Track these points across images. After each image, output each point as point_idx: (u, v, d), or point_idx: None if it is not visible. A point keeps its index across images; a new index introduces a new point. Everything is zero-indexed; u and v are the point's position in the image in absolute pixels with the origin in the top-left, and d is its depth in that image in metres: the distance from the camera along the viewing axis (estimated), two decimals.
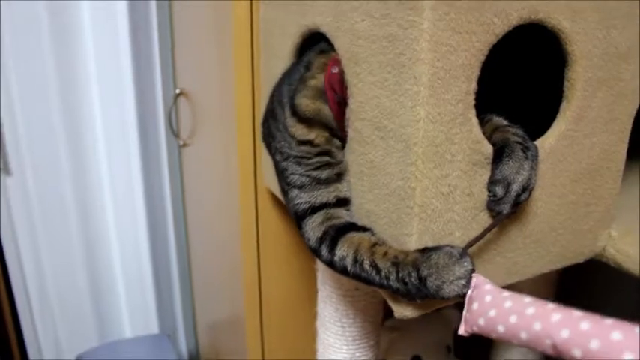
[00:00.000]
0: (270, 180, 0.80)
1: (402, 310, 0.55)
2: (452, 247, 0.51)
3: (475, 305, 0.50)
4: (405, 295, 0.52)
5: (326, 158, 0.61)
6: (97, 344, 1.67)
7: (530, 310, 0.45)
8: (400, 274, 0.51)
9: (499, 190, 0.53)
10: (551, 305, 0.45)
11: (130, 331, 1.72)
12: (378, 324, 0.86)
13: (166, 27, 1.40)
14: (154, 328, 1.72)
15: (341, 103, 0.59)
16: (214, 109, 1.08)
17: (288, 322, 1.05)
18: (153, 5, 1.42)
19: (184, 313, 1.77)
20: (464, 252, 0.51)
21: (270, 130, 0.67)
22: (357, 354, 0.85)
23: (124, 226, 1.58)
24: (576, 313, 0.44)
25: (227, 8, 0.85)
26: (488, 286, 0.50)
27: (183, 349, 1.82)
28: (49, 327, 1.59)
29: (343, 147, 0.61)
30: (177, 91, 1.31)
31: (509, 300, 0.48)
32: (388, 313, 1.12)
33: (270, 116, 0.67)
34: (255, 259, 0.98)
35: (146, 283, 1.66)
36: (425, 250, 0.51)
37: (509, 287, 1.04)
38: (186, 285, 1.71)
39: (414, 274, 0.50)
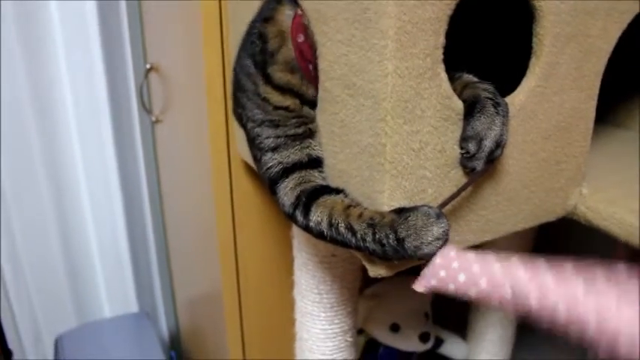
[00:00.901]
0: (243, 150, 0.79)
1: (377, 270, 0.55)
2: (429, 207, 0.51)
3: (442, 273, 0.50)
4: (382, 256, 0.52)
5: (302, 119, 0.61)
6: (76, 325, 1.65)
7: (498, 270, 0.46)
8: (377, 236, 0.51)
9: (472, 146, 0.53)
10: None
11: (109, 311, 1.71)
12: (356, 291, 0.87)
13: (134, 2, 1.37)
14: (133, 306, 1.71)
15: (314, 70, 0.58)
16: (185, 82, 1.06)
17: (266, 292, 1.06)
18: None
19: (163, 291, 1.76)
20: (440, 212, 0.51)
21: (239, 101, 0.66)
22: (336, 321, 0.85)
23: (100, 205, 1.56)
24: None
25: None
26: (453, 253, 0.51)
27: (164, 326, 1.82)
28: (26, 309, 1.57)
29: None
30: (148, 66, 1.29)
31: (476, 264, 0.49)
32: (367, 281, 1.13)
33: (237, 88, 0.67)
34: (230, 231, 0.98)
35: (123, 261, 1.64)
36: (401, 211, 0.51)
37: (485, 245, 1.06)
38: (164, 262, 1.70)
39: (391, 235, 0.50)
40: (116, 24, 1.42)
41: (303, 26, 0.58)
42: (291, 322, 0.91)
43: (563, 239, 1.27)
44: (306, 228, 0.58)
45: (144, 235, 1.68)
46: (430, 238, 0.50)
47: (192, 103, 1.02)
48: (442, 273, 0.51)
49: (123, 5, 1.40)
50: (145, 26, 1.36)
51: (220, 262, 1.01)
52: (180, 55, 1.07)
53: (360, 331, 1.16)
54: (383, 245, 0.51)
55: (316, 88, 0.60)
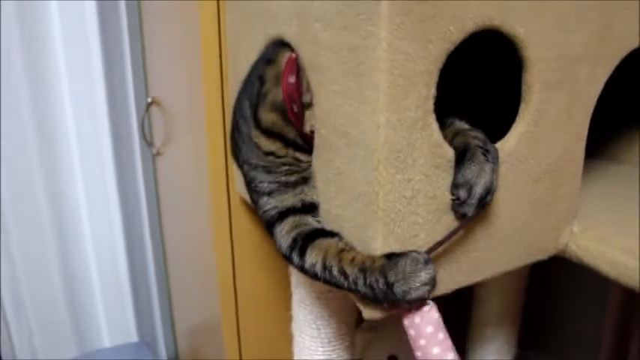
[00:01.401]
0: (242, 187, 0.81)
1: (371, 312, 0.56)
2: (417, 252, 0.53)
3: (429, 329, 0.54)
4: (373, 299, 0.54)
5: (292, 167, 0.63)
6: (76, 354, 1.65)
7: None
8: (368, 280, 0.53)
9: (462, 193, 0.54)
10: None
11: (108, 341, 1.71)
12: (353, 325, 0.87)
13: (137, 37, 1.40)
14: (133, 336, 1.72)
15: (299, 112, 0.60)
16: (186, 117, 1.08)
17: (265, 325, 1.06)
18: (123, 15, 1.42)
19: (163, 321, 1.76)
20: (428, 258, 0.53)
21: (236, 142, 0.68)
22: (334, 355, 0.86)
23: (100, 235, 1.58)
24: None
25: (194, 19, 0.86)
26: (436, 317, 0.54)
27: (163, 356, 1.82)
28: (26, 339, 1.57)
29: (308, 153, 0.63)
30: (149, 100, 1.31)
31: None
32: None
33: (235, 129, 0.69)
34: (229, 264, 0.99)
35: (124, 291, 1.65)
36: (391, 257, 0.53)
37: (478, 284, 1.07)
38: (164, 292, 1.71)
39: (381, 280, 0.52)
40: (119, 58, 1.45)
41: (296, 67, 0.60)
42: (288, 354, 0.91)
43: (558, 273, 1.28)
44: (302, 269, 0.59)
45: (144, 266, 1.69)
46: (418, 284, 0.51)
47: (192, 137, 1.03)
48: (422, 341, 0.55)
49: (126, 40, 1.43)
50: (147, 61, 1.38)
51: (220, 295, 1.02)
52: (180, 90, 1.09)
53: None
54: (373, 289, 0.52)
55: (298, 131, 0.62)
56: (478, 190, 0.54)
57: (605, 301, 1.13)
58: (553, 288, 1.33)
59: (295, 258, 0.59)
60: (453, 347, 0.55)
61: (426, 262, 0.52)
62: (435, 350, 0.54)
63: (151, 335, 1.78)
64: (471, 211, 0.55)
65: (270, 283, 1.03)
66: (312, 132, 0.60)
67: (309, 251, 0.58)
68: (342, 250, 0.56)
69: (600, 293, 1.15)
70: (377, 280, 0.52)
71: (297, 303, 0.85)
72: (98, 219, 1.56)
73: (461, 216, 0.56)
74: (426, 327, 0.54)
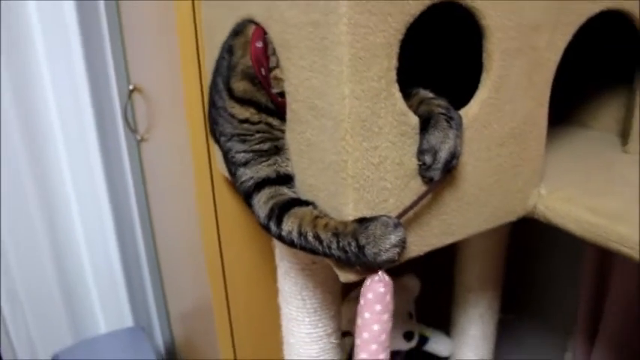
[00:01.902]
0: (223, 166, 0.83)
1: (346, 276, 0.59)
2: (387, 217, 0.55)
3: (370, 296, 0.58)
4: (346, 262, 0.57)
5: (266, 135, 0.65)
6: (72, 342, 1.68)
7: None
8: (341, 244, 0.56)
9: (427, 158, 0.57)
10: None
11: (104, 327, 1.74)
12: (338, 295, 0.90)
13: (115, 25, 1.41)
14: (128, 321, 1.75)
15: (267, 75, 0.63)
16: (167, 102, 1.10)
17: (254, 301, 1.09)
18: (101, 4, 1.43)
19: (157, 305, 1.79)
20: (398, 222, 0.56)
21: (213, 117, 0.71)
22: (320, 325, 0.89)
23: (91, 223, 1.60)
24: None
25: (170, 5, 0.87)
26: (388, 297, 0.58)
27: (159, 340, 1.85)
28: (22, 328, 1.59)
29: (280, 118, 0.66)
30: (131, 87, 1.33)
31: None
32: (350, 285, 1.17)
33: (212, 106, 0.72)
34: (216, 244, 1.02)
35: (116, 277, 1.68)
36: (363, 221, 0.55)
37: (459, 251, 1.10)
38: (156, 277, 1.74)
39: (353, 243, 0.55)
40: (99, 46, 1.46)
41: (262, 33, 0.63)
42: (278, 327, 0.95)
43: (537, 239, 1.32)
44: (279, 237, 0.62)
45: (135, 252, 1.72)
46: (388, 246, 0.54)
47: (174, 122, 1.05)
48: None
49: (105, 28, 1.44)
50: (126, 49, 1.40)
51: (208, 274, 1.04)
52: (160, 76, 1.10)
53: (346, 334, 1.20)
54: (346, 252, 0.55)
55: (269, 94, 0.65)
56: (443, 154, 0.57)
57: (581, 264, 1.17)
58: (532, 254, 1.37)
59: (273, 227, 0.62)
60: (387, 324, 0.59)
61: (396, 225, 0.55)
62: (367, 315, 0.58)
63: (145, 320, 1.80)
64: (437, 175, 0.58)
65: (256, 257, 1.06)
66: (281, 95, 0.63)
67: (285, 219, 0.61)
68: (316, 217, 0.59)
69: (577, 257, 1.20)
70: (349, 244, 0.55)
71: (282, 275, 0.88)
72: (87, 207, 1.58)
73: (428, 180, 0.59)
74: (368, 293, 0.58)
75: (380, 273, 0.57)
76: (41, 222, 1.52)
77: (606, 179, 0.75)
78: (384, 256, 0.54)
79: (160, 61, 1.07)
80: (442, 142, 0.57)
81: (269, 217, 0.63)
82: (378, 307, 0.58)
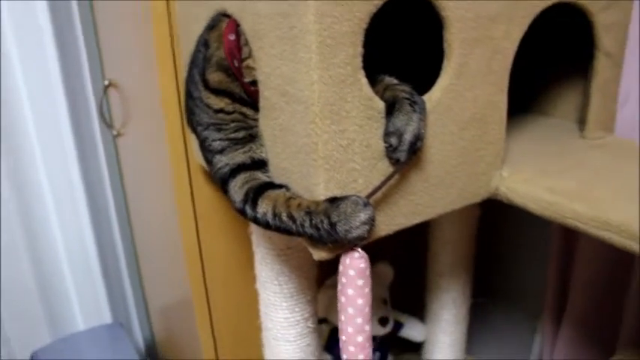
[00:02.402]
0: (200, 156, 0.86)
1: (319, 254, 0.62)
2: (357, 196, 0.59)
3: (352, 272, 0.61)
4: (319, 239, 0.60)
5: (241, 124, 0.68)
6: (51, 340, 1.68)
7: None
8: (313, 222, 0.59)
9: (393, 140, 0.61)
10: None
11: (82, 324, 1.74)
12: (313, 280, 0.93)
13: (89, 20, 1.42)
14: (106, 318, 1.75)
15: (240, 66, 0.66)
16: (142, 97, 1.12)
17: (232, 289, 1.12)
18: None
19: (135, 301, 1.80)
20: (367, 201, 0.59)
21: (189, 108, 0.74)
22: (296, 309, 0.92)
23: (67, 219, 1.60)
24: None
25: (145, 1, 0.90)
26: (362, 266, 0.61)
27: (138, 335, 1.86)
28: None
29: (253, 108, 0.68)
30: (106, 82, 1.34)
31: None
32: (327, 272, 1.20)
33: (188, 97, 0.75)
34: (194, 234, 1.04)
35: (94, 273, 1.68)
36: (334, 200, 0.59)
37: (431, 237, 1.14)
38: (134, 272, 1.74)
39: (325, 220, 0.58)
40: (72, 43, 1.46)
41: (235, 26, 0.66)
42: (257, 315, 0.97)
43: (506, 224, 1.37)
44: (255, 220, 0.65)
45: (113, 247, 1.72)
46: (357, 223, 0.57)
47: (150, 115, 1.07)
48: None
49: (78, 24, 1.45)
50: (101, 44, 1.41)
51: (187, 265, 1.06)
52: (135, 71, 1.12)
53: (323, 321, 1.23)
54: (318, 229, 0.58)
55: (242, 85, 0.68)
56: (408, 137, 0.60)
57: (549, 248, 1.22)
58: (502, 239, 1.42)
59: (248, 210, 0.65)
60: (368, 297, 0.62)
61: (365, 204, 0.58)
62: (350, 292, 0.61)
63: (124, 316, 1.81)
64: (403, 156, 0.61)
65: (233, 246, 1.09)
66: (253, 84, 0.66)
67: (260, 202, 0.64)
68: (289, 198, 0.62)
69: (545, 242, 1.24)
70: (322, 221, 0.58)
71: (258, 261, 0.91)
72: (63, 203, 1.58)
73: (394, 162, 0.62)
74: (350, 270, 0.61)
75: (359, 250, 0.60)
76: (16, 218, 1.52)
77: (563, 162, 0.80)
78: (354, 233, 0.58)
79: (135, 56, 1.08)
80: (406, 125, 0.60)
81: (244, 201, 0.66)
82: (361, 282, 0.61)
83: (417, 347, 1.36)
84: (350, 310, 0.62)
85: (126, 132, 1.33)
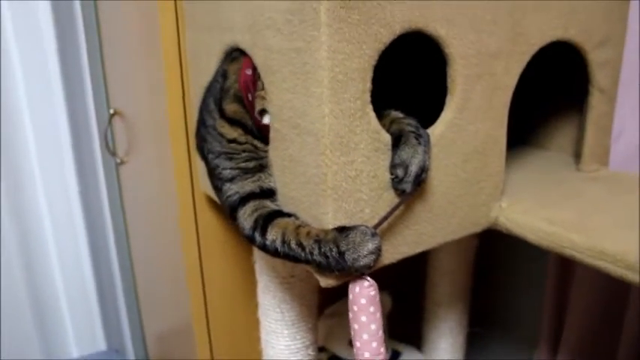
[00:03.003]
0: (206, 184, 0.87)
1: (326, 281, 0.64)
2: (366, 227, 0.61)
3: (363, 301, 0.63)
4: (326, 267, 0.61)
5: (252, 154, 0.71)
6: None
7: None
8: (322, 250, 0.61)
9: (400, 172, 0.63)
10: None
11: (76, 350, 1.73)
12: (315, 308, 0.94)
13: (96, 49, 1.45)
14: (100, 345, 1.74)
15: (254, 100, 0.69)
16: (149, 126, 1.14)
17: (234, 317, 1.12)
18: (80, 27, 1.46)
19: (131, 327, 1.79)
20: (375, 231, 0.61)
21: (202, 135, 0.76)
22: (298, 337, 0.92)
23: (65, 246, 1.60)
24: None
25: (154, 31, 0.92)
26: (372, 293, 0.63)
27: None
28: None
29: (262, 141, 0.71)
30: (112, 111, 1.37)
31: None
32: (326, 301, 1.21)
33: (201, 124, 0.77)
34: (197, 262, 1.05)
35: (90, 300, 1.68)
36: (342, 230, 0.61)
37: (429, 267, 1.15)
38: (132, 298, 1.74)
39: (334, 249, 0.60)
40: (78, 73, 1.49)
41: (252, 63, 0.68)
42: (258, 342, 0.98)
43: (502, 255, 1.39)
44: (264, 247, 0.67)
45: (110, 273, 1.72)
46: (365, 252, 0.59)
47: (156, 144, 1.09)
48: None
49: (84, 54, 1.48)
50: (107, 73, 1.43)
51: (189, 292, 1.07)
52: (143, 100, 1.15)
53: (322, 349, 1.24)
54: (327, 258, 0.60)
55: (253, 118, 0.70)
56: (413, 168, 0.63)
57: (545, 279, 1.23)
58: (498, 269, 1.44)
59: (257, 237, 0.67)
60: (380, 321, 0.64)
61: (373, 234, 0.60)
62: (363, 319, 0.63)
63: (119, 343, 1.80)
64: (409, 187, 0.63)
65: (236, 274, 1.09)
66: (261, 114, 0.68)
67: (269, 229, 0.66)
68: (298, 227, 0.64)
69: (541, 272, 1.26)
70: (330, 249, 0.60)
71: (261, 289, 0.92)
72: (62, 228, 1.58)
73: (400, 192, 0.65)
74: (361, 298, 0.63)
75: (368, 279, 0.62)
76: (14, 243, 1.52)
77: (561, 193, 0.82)
78: (362, 262, 0.60)
79: (143, 85, 1.11)
80: (412, 157, 0.63)
81: (254, 228, 0.67)
82: (372, 309, 0.63)
83: None
84: (365, 337, 0.63)
85: (129, 160, 1.35)
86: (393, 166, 0.63)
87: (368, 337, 0.63)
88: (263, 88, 0.67)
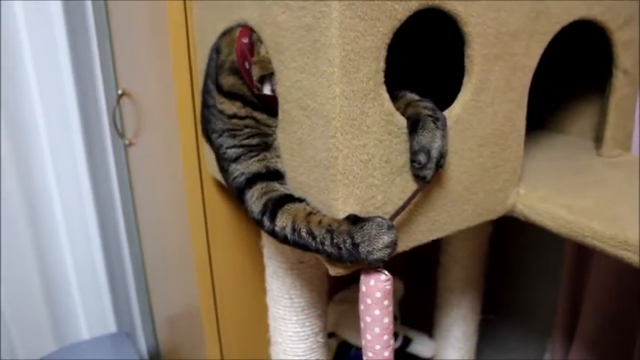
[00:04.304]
0: (213, 168, 0.85)
1: (336, 269, 0.61)
2: (382, 218, 0.58)
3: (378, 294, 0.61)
4: (338, 258, 0.59)
5: (254, 130, 0.68)
6: (55, 348, 1.67)
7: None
8: (335, 241, 0.58)
9: (422, 158, 0.60)
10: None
11: (87, 332, 1.73)
12: (324, 294, 0.93)
13: (104, 30, 1.43)
14: (111, 327, 1.74)
15: (251, 69, 0.66)
16: (157, 106, 1.12)
17: (242, 302, 1.11)
18: (89, 7, 1.44)
19: (141, 310, 1.79)
20: (391, 224, 0.58)
21: (205, 117, 0.74)
22: (307, 323, 0.91)
23: (75, 227, 1.59)
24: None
25: (162, 10, 0.90)
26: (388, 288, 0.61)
27: (143, 346, 1.85)
28: (3, 335, 1.58)
29: (264, 112, 0.68)
30: (120, 92, 1.34)
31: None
32: (336, 287, 1.20)
33: (204, 106, 0.75)
34: (205, 246, 1.03)
35: (100, 282, 1.67)
36: (357, 220, 0.58)
37: (442, 253, 1.13)
38: (141, 281, 1.74)
39: (348, 241, 0.57)
40: (86, 53, 1.47)
41: (249, 31, 0.66)
42: (265, 329, 0.97)
43: (517, 242, 1.36)
44: (272, 232, 0.64)
45: (120, 256, 1.72)
46: (381, 246, 0.57)
47: (164, 125, 1.07)
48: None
49: (93, 34, 1.46)
50: (116, 54, 1.41)
51: (197, 276, 1.06)
52: (151, 81, 1.12)
53: (332, 335, 1.22)
54: (340, 249, 0.58)
55: (251, 88, 0.68)
56: (434, 153, 0.60)
57: (561, 266, 1.21)
58: (512, 256, 1.41)
59: (266, 222, 0.65)
60: (392, 313, 0.62)
61: (389, 227, 0.58)
62: (377, 312, 0.61)
63: (129, 325, 1.80)
64: (431, 173, 0.61)
65: (244, 258, 1.08)
66: (262, 89, 0.66)
67: (279, 215, 0.63)
68: (309, 214, 0.61)
69: (556, 259, 1.23)
70: (344, 241, 0.57)
71: (270, 275, 0.90)
72: (72, 212, 1.57)
73: (421, 179, 0.62)
74: (376, 292, 0.60)
75: (385, 272, 0.60)
76: (25, 226, 1.52)
77: (580, 180, 0.79)
78: (377, 255, 0.57)
79: (151, 65, 1.09)
80: (432, 142, 0.60)
81: (262, 212, 0.65)
82: (386, 302, 0.61)
83: None
84: (377, 330, 0.61)
85: (138, 142, 1.33)
86: (414, 153, 0.61)
87: (380, 330, 0.61)
88: (261, 55, 0.64)
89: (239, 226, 1.05)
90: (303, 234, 0.61)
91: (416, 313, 1.29)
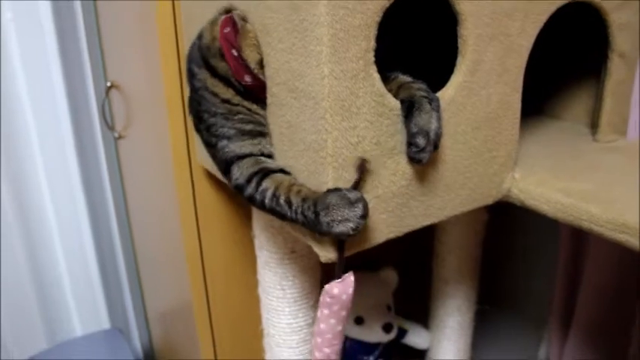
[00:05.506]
0: (203, 158, 0.83)
1: (326, 255, 0.60)
2: (349, 191, 0.55)
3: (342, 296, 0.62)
4: (306, 227, 0.58)
5: (247, 117, 0.66)
6: (47, 346, 1.65)
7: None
8: (302, 208, 0.57)
9: (421, 140, 0.58)
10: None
11: (80, 329, 1.71)
12: (317, 285, 0.91)
13: (92, 22, 1.41)
14: (104, 323, 1.73)
15: (239, 55, 0.64)
16: (146, 99, 1.10)
17: (234, 294, 1.09)
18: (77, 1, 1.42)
19: (134, 306, 1.78)
20: (360, 198, 0.55)
21: (196, 100, 0.71)
22: (300, 315, 0.90)
23: (66, 223, 1.58)
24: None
25: (149, 1, 0.88)
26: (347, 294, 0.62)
27: (137, 342, 1.83)
28: None
29: (252, 101, 0.67)
30: (109, 84, 1.32)
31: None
32: (330, 278, 1.18)
33: (192, 90, 0.73)
34: (195, 239, 1.02)
35: (93, 278, 1.66)
36: (328, 191, 0.56)
37: (437, 242, 1.12)
38: (134, 277, 1.72)
39: (311, 208, 0.56)
40: (75, 44, 1.45)
41: (231, 20, 0.64)
42: (258, 322, 0.95)
43: (513, 231, 1.35)
44: (251, 198, 0.63)
45: (112, 251, 1.70)
46: (340, 218, 0.54)
47: (153, 117, 1.06)
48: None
49: (81, 26, 1.43)
50: (104, 46, 1.39)
51: (188, 269, 1.04)
52: (139, 72, 1.10)
53: None
54: (305, 217, 0.56)
55: (236, 75, 0.66)
56: (432, 135, 0.58)
57: (556, 256, 1.20)
58: (508, 245, 1.40)
59: (249, 188, 0.63)
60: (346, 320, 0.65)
61: (356, 200, 0.55)
62: (332, 321, 0.64)
63: (123, 322, 1.79)
64: (427, 157, 0.59)
65: (235, 250, 1.06)
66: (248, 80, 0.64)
67: (265, 181, 0.62)
68: (293, 184, 0.60)
69: (552, 249, 1.22)
70: (308, 208, 0.56)
71: (261, 266, 0.89)
72: (63, 206, 1.56)
73: (417, 162, 0.60)
74: (334, 305, 0.62)
75: (345, 277, 0.61)
76: (15, 222, 1.50)
77: (577, 164, 0.77)
78: (337, 228, 0.54)
79: (139, 57, 1.07)
80: (429, 124, 0.58)
81: (249, 179, 0.63)
82: (344, 313, 0.64)
83: (420, 354, 1.33)
84: (328, 336, 0.65)
85: (127, 134, 1.32)
86: (412, 136, 0.59)
87: (332, 336, 0.64)
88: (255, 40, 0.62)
89: (230, 217, 1.03)
90: (281, 201, 0.59)
91: (410, 303, 1.28)
